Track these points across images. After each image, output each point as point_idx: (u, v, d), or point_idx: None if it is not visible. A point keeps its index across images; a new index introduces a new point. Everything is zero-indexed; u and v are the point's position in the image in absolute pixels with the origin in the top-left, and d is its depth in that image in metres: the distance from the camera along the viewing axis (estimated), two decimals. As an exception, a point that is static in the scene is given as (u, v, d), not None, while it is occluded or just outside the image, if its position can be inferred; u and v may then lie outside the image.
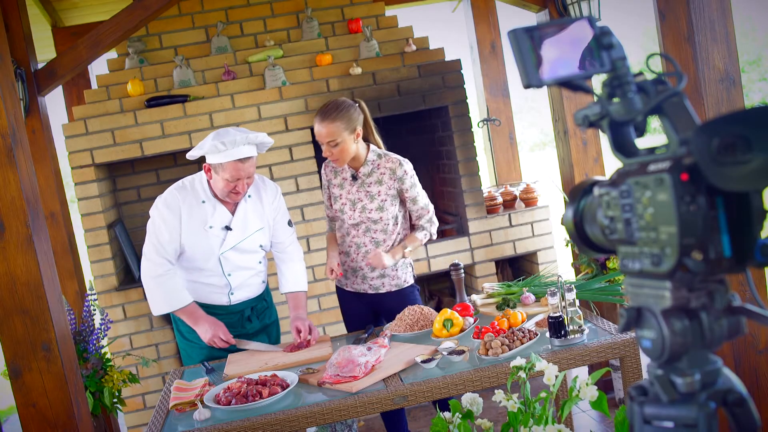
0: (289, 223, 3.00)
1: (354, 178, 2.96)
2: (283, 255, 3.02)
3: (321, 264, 3.88)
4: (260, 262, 2.96)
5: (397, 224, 2.99)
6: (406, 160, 2.96)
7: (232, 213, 2.82)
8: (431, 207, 3.05)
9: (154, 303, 2.77)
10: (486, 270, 4.04)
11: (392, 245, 2.99)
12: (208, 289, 2.89)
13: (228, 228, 2.80)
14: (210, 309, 2.88)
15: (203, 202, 2.78)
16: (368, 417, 3.96)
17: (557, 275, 2.67)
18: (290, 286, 3.00)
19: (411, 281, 3.09)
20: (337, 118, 2.79)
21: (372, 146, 2.97)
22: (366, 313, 3.12)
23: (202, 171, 2.79)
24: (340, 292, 3.17)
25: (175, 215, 2.75)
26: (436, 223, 3.07)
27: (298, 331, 2.83)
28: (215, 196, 2.79)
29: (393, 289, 3.04)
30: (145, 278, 2.77)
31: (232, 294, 2.91)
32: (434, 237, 3.10)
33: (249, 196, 2.86)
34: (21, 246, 2.46)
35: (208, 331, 2.75)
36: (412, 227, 3.08)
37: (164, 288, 2.75)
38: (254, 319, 3.00)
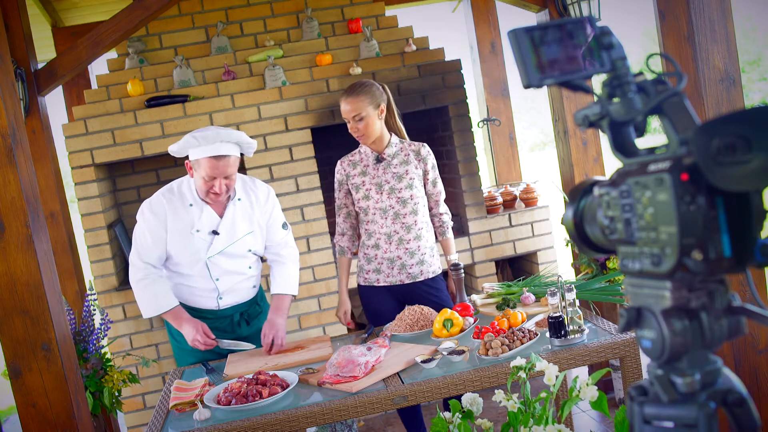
0: (284, 226, 2.94)
1: (379, 160, 3.03)
2: (277, 257, 2.97)
3: (321, 264, 3.88)
4: (250, 267, 2.91)
5: (424, 206, 3.07)
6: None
7: (221, 216, 2.78)
8: (444, 191, 3.16)
9: (142, 306, 2.80)
10: (486, 270, 4.04)
11: (423, 228, 3.05)
12: (196, 293, 2.87)
13: (215, 232, 2.76)
14: (199, 313, 2.87)
15: (190, 205, 2.75)
16: (368, 417, 3.96)
17: (557, 275, 2.67)
18: (277, 288, 2.92)
19: (441, 268, 3.18)
20: (362, 93, 2.91)
21: (393, 134, 3.08)
22: (397, 307, 3.11)
23: None
24: (368, 290, 3.12)
25: (159, 221, 2.73)
26: (449, 214, 3.19)
27: (264, 335, 2.77)
28: (203, 198, 2.76)
29: (430, 276, 3.08)
30: (132, 283, 2.82)
31: (220, 299, 2.87)
32: (451, 225, 3.19)
33: (239, 199, 2.80)
34: (21, 246, 2.46)
35: (190, 334, 2.73)
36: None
37: (148, 292, 2.77)
38: (244, 324, 2.96)
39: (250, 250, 2.86)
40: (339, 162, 3.11)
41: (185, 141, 2.63)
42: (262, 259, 3.05)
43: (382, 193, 3.01)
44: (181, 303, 2.87)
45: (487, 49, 5.37)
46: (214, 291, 2.85)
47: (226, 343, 2.81)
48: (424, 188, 3.07)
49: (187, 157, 2.71)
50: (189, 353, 2.89)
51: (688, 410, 0.84)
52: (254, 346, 2.84)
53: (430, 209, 3.12)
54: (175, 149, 2.69)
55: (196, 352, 2.87)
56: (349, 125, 2.95)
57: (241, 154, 2.77)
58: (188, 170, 2.72)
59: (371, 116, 2.92)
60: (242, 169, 4.14)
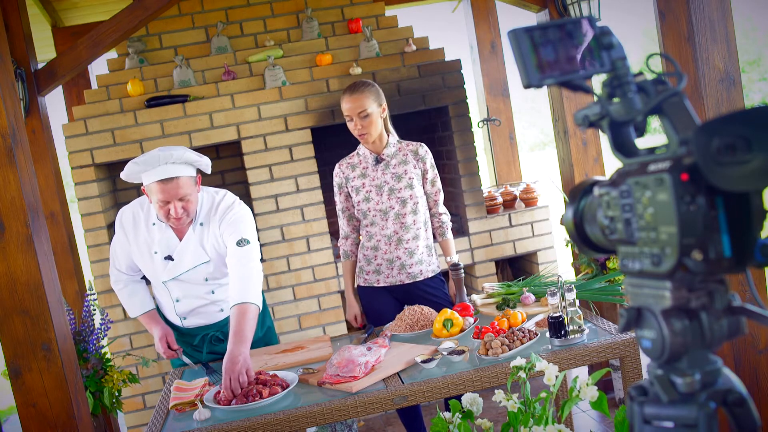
0: (240, 243, 2.60)
1: (378, 161, 3.02)
2: (231, 270, 2.62)
3: (321, 264, 3.88)
4: (213, 292, 2.80)
5: (423, 205, 3.07)
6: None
7: (180, 239, 2.69)
8: (442, 191, 3.17)
9: (126, 309, 2.90)
10: (486, 270, 4.04)
11: (422, 228, 3.05)
12: (162, 307, 2.88)
13: (169, 258, 2.69)
14: (171, 326, 2.89)
15: (153, 224, 2.70)
16: (368, 417, 3.96)
17: (557, 275, 2.67)
18: (232, 299, 2.54)
19: (440, 268, 3.17)
20: (366, 90, 2.91)
21: (390, 135, 3.08)
22: (397, 307, 3.11)
23: None
24: (368, 290, 3.12)
25: (124, 234, 2.73)
26: (448, 214, 3.19)
27: (225, 372, 2.34)
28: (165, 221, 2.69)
29: (429, 276, 3.08)
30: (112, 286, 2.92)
31: (184, 318, 2.84)
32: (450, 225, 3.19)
33: (201, 224, 2.69)
34: (21, 246, 2.46)
35: (155, 339, 2.76)
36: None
37: (123, 296, 2.87)
38: (208, 344, 2.88)
39: (206, 279, 2.76)
40: (337, 165, 3.10)
41: (128, 168, 2.56)
42: None
43: (382, 194, 3.00)
44: (159, 311, 2.90)
45: (487, 49, 5.37)
46: (174, 311, 2.84)
47: (184, 358, 2.82)
48: (423, 188, 3.07)
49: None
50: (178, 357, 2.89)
51: (688, 410, 0.84)
52: (195, 367, 2.80)
53: (429, 209, 3.12)
54: (125, 177, 2.63)
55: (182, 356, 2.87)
56: (351, 123, 2.94)
57: (200, 171, 2.69)
58: (147, 195, 2.64)
59: (375, 113, 2.92)
60: (242, 168, 4.14)
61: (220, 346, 2.88)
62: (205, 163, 2.65)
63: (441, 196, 3.13)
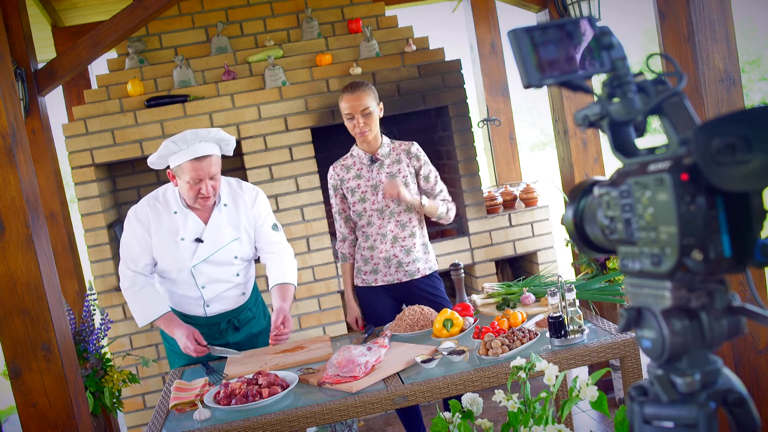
0: (274, 227, 2.87)
1: (373, 161, 3.03)
2: (270, 255, 2.88)
3: (321, 264, 3.88)
4: (238, 275, 2.84)
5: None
6: None
7: (206, 223, 2.74)
8: (445, 187, 3.13)
9: (135, 315, 2.78)
10: (486, 270, 4.04)
11: (417, 226, 3.05)
12: (183, 300, 2.85)
13: (199, 240, 2.72)
14: (189, 319, 2.87)
15: (175, 212, 2.72)
16: (368, 417, 3.96)
17: (557, 275, 2.67)
18: (275, 279, 2.83)
19: (437, 266, 3.16)
20: (366, 88, 2.96)
21: (383, 135, 3.09)
22: (395, 306, 3.11)
23: None
24: (366, 290, 3.13)
25: (144, 229, 2.71)
26: (454, 206, 3.13)
27: (275, 320, 2.70)
28: (187, 205, 2.71)
29: (427, 273, 3.08)
30: (123, 291, 2.80)
31: (207, 306, 2.84)
32: (451, 216, 3.09)
33: (225, 205, 2.76)
34: (21, 246, 2.46)
35: (181, 340, 2.69)
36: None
37: (137, 300, 2.75)
38: (232, 331, 2.91)
39: (236, 257, 2.80)
40: (331, 168, 3.12)
41: (165, 147, 2.57)
42: (257, 261, 3.02)
43: (377, 194, 3.02)
44: (172, 308, 2.87)
45: (487, 49, 5.37)
46: (200, 299, 2.82)
47: (218, 350, 2.75)
48: (419, 185, 3.07)
49: (167, 167, 2.67)
50: (180, 356, 2.87)
51: (688, 410, 0.84)
52: (241, 354, 2.78)
53: None
54: (154, 160, 2.64)
55: (187, 356, 2.85)
56: (352, 122, 2.95)
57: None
58: (171, 179, 2.67)
59: (375, 111, 2.97)
60: (242, 168, 4.14)
61: (235, 335, 2.92)
62: (232, 144, 2.73)
63: (440, 187, 3.09)
